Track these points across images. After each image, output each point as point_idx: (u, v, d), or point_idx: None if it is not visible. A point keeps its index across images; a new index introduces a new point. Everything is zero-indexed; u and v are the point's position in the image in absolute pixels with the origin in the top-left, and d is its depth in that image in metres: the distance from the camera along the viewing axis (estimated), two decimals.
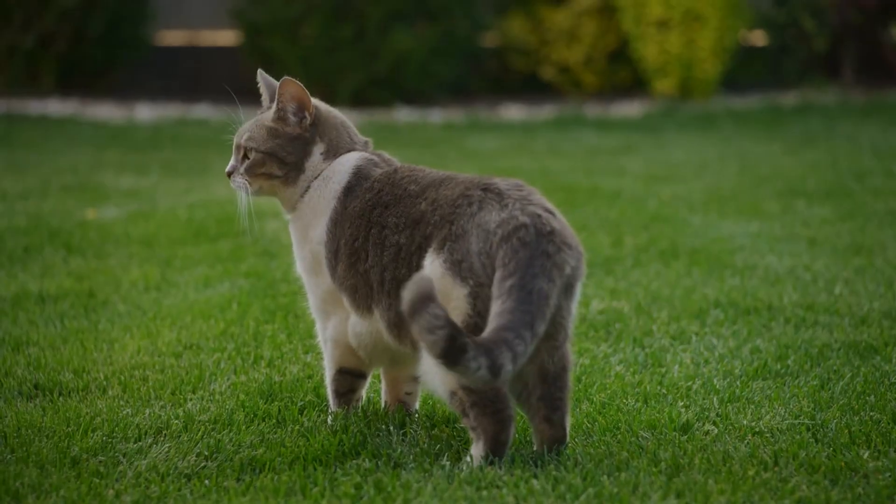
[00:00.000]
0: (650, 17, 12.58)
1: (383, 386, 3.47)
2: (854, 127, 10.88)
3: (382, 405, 3.46)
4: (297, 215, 3.34)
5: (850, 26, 13.46)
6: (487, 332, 2.85)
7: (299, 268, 3.38)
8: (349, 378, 3.38)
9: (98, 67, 13.39)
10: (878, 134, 10.39)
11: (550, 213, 3.00)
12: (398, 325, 3.12)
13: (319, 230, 3.28)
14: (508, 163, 9.06)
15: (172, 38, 14.07)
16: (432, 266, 2.99)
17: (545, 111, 12.62)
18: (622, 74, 13.38)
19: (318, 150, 3.34)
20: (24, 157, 9.36)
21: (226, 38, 13.91)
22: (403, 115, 12.54)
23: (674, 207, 6.88)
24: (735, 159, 9.05)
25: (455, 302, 2.96)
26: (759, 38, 13.80)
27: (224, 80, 15.34)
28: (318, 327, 3.41)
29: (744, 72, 13.49)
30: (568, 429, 3.10)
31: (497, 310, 2.86)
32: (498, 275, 2.90)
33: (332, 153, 3.34)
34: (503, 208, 2.98)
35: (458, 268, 2.96)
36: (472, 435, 3.02)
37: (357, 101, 12.81)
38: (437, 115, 12.44)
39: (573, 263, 2.96)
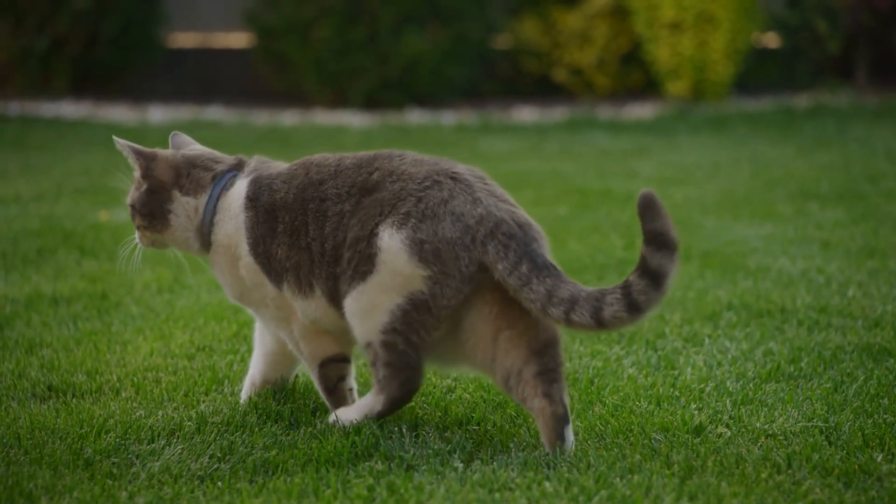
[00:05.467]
0: (663, 20, 12.57)
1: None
2: (867, 129, 10.85)
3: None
4: (214, 249, 3.37)
5: (863, 28, 13.42)
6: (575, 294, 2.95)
7: (236, 295, 3.38)
8: (333, 366, 3.36)
9: (111, 70, 13.42)
10: (892, 136, 10.36)
11: (516, 206, 3.11)
12: (336, 298, 3.16)
13: (243, 244, 3.30)
14: (520, 165, 9.05)
15: (185, 40, 14.10)
16: (390, 240, 3.04)
17: (557, 113, 12.61)
18: (634, 76, 13.36)
19: (176, 192, 3.39)
20: (38, 159, 9.38)
21: (238, 40, 13.94)
22: (415, 117, 12.55)
23: (686, 210, 6.87)
24: (748, 162, 9.03)
25: (406, 279, 3.02)
26: (771, 40, 13.77)
27: (237, 82, 15.37)
28: (285, 337, 3.39)
29: (756, 74, 13.46)
30: (568, 407, 3.10)
31: (549, 286, 2.94)
32: (503, 267, 2.99)
33: (193, 189, 3.37)
34: (476, 202, 3.05)
35: (419, 247, 3.01)
36: (374, 385, 3.13)
37: (369, 103, 12.83)
38: (449, 118, 12.45)
39: (547, 251, 3.07)
